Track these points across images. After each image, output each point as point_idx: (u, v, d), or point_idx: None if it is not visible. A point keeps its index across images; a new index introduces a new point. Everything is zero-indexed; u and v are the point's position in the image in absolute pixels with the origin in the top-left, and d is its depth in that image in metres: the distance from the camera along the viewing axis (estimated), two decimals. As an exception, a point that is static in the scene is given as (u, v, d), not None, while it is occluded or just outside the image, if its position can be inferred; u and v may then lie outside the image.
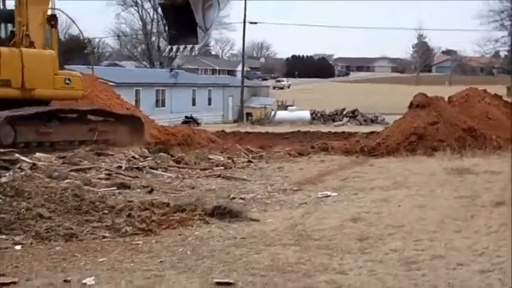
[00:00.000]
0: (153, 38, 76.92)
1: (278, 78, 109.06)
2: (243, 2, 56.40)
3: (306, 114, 46.15)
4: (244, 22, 57.46)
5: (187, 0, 12.57)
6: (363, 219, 8.37)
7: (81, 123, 16.58)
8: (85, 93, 17.88)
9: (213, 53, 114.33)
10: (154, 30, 73.50)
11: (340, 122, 42.72)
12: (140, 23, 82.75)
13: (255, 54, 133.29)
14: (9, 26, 16.26)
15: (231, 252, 6.80)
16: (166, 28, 13.29)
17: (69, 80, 16.88)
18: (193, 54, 11.69)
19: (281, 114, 47.76)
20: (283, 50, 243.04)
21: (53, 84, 16.29)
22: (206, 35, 12.93)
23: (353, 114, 45.01)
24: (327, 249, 6.91)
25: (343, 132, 27.89)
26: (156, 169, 13.01)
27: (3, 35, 16.25)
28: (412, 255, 6.62)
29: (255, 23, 60.87)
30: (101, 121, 17.13)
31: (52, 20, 16.48)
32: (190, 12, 12.56)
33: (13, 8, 15.87)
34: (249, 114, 56.11)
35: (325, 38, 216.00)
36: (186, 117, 47.74)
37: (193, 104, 55.37)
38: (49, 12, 16.55)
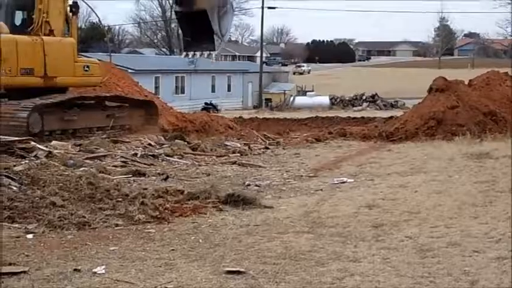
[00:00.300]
0: (173, 25, 77.03)
1: (298, 64, 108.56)
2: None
3: (325, 99, 45.86)
4: (262, 7, 57.24)
5: (204, 8, 12.48)
6: (378, 206, 8.26)
7: (100, 110, 16.62)
8: (103, 80, 17.90)
9: (232, 39, 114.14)
10: (174, 17, 73.45)
11: (360, 107, 42.35)
12: (159, 9, 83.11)
13: (275, 40, 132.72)
14: (20, 13, 16.23)
15: (244, 240, 6.74)
16: (182, 35, 13.32)
17: (87, 67, 16.91)
18: (211, 61, 11.75)
19: (300, 100, 47.53)
20: (303, 35, 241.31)
21: (73, 72, 16.36)
22: (222, 42, 12.94)
23: (373, 99, 44.61)
24: (341, 237, 6.83)
25: (362, 117, 27.69)
26: (172, 156, 12.99)
27: (18, 22, 16.22)
28: (428, 243, 6.52)
29: (273, 8, 60.59)
30: (117, 107, 17.16)
31: (73, 7, 16.50)
32: (206, 19, 12.50)
33: None
34: (268, 100, 55.92)
35: (345, 22, 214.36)
36: (206, 103, 47.68)
37: (213, 90, 55.25)
38: (70, 0, 16.57)
